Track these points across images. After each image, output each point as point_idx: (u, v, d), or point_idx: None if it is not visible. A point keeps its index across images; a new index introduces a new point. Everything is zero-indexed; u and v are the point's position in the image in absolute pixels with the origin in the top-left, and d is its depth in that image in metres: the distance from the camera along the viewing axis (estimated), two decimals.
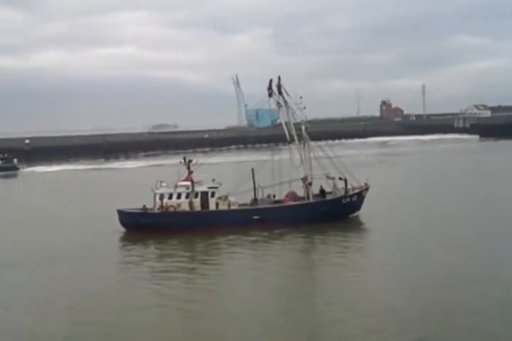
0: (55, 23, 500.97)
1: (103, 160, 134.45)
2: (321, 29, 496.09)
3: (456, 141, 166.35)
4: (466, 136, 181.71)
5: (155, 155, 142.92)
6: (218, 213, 45.46)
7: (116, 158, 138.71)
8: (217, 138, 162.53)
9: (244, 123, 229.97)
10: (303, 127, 48.69)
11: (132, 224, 44.92)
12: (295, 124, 49.19)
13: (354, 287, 30.08)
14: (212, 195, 45.67)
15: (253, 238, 42.64)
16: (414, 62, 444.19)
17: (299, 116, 49.06)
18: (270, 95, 48.24)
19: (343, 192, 47.54)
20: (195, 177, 46.18)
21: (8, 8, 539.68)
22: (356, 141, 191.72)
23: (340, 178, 47.44)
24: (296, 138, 48.17)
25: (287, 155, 49.32)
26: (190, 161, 46.49)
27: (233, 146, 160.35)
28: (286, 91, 47.60)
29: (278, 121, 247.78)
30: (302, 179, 47.60)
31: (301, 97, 48.24)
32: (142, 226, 44.15)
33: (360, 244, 41.25)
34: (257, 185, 47.15)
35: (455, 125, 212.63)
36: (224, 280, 32.64)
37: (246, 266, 35.65)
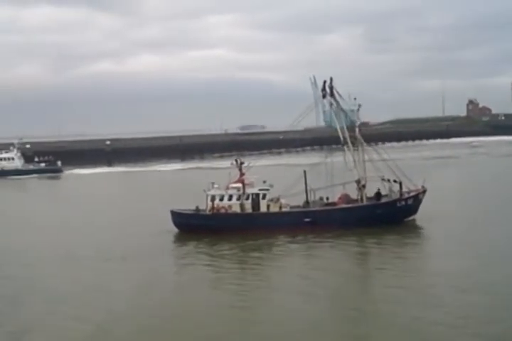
0: (149, 28, 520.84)
1: (179, 160, 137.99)
2: (414, 26, 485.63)
3: None
4: None
5: (230, 156, 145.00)
6: (269, 215, 45.79)
7: (192, 158, 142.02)
8: (293, 139, 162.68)
9: (322, 124, 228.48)
10: (356, 129, 48.22)
11: (184, 224, 46.06)
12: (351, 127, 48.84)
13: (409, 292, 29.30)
14: (264, 197, 46.04)
15: (304, 240, 42.62)
16: (507, 59, 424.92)
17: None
18: (324, 96, 48.11)
19: (398, 195, 46.66)
20: (247, 179, 46.73)
21: (105, 13, 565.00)
22: (437, 141, 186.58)
23: (394, 181, 46.60)
24: (348, 140, 47.67)
25: (341, 158, 48.85)
26: (241, 163, 47.10)
27: (308, 147, 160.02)
28: (338, 93, 47.36)
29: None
30: (356, 181, 47.12)
31: (355, 99, 47.88)
32: (193, 227, 45.22)
33: (416, 249, 40.39)
34: (309, 188, 47.10)
35: None
36: (276, 281, 33.00)
37: (296, 268, 35.83)
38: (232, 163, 47.44)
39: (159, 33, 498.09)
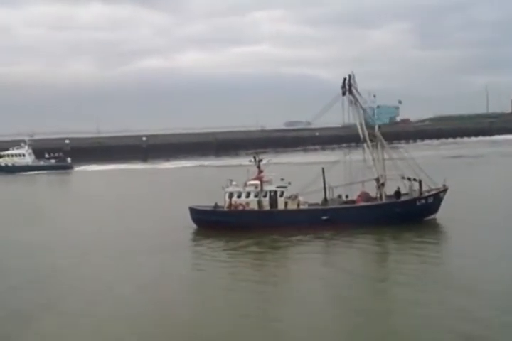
0: (195, 24, 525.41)
1: (213, 157, 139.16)
2: (466, 21, 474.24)
3: None
4: None
5: (264, 153, 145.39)
6: (286, 212, 46.09)
7: (227, 155, 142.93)
8: (329, 136, 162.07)
9: (362, 121, 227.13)
10: (376, 127, 48.07)
11: (202, 221, 46.81)
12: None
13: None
14: (281, 194, 46.36)
15: (320, 238, 42.88)
16: None
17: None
18: (344, 93, 47.96)
19: (417, 194, 46.34)
20: (265, 176, 47.12)
21: (152, 10, 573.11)
22: (479, 139, 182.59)
23: (414, 179, 46.28)
24: (367, 138, 47.55)
25: (360, 156, 48.73)
26: (260, 160, 47.51)
27: (344, 145, 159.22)
28: (357, 90, 47.21)
29: (397, 118, 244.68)
30: (375, 179, 47.00)
31: (374, 96, 47.62)
32: (211, 223, 45.91)
33: (435, 248, 40.26)
34: (327, 185, 47.17)
35: None
36: (293, 279, 33.73)
37: (312, 265, 36.38)
38: (250, 161, 47.84)
39: (205, 29, 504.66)
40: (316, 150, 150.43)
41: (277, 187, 46.49)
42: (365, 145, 48.06)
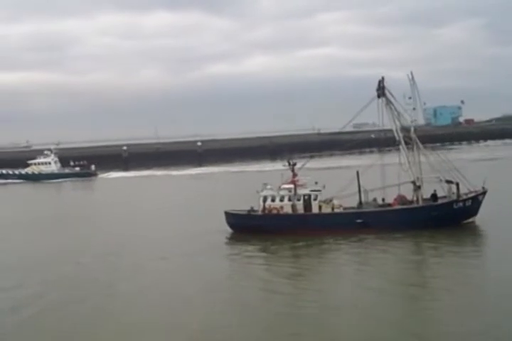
0: (261, 28, 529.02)
1: (268, 161, 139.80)
2: None
3: None
4: None
5: (320, 156, 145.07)
6: (320, 216, 46.29)
7: (282, 159, 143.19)
8: (385, 138, 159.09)
9: (422, 122, 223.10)
10: (412, 129, 47.59)
11: (237, 225, 47.56)
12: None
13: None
14: (315, 197, 46.58)
15: (355, 242, 42.87)
16: None
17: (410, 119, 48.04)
18: (379, 96, 47.71)
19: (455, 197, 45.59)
20: (299, 180, 47.46)
21: (218, 16, 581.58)
22: None
23: (450, 181, 45.56)
24: (402, 140, 47.16)
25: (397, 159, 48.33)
26: (294, 164, 47.91)
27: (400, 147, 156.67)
28: (390, 93, 46.92)
29: (461, 118, 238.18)
30: (412, 182, 46.55)
31: (409, 98, 47.11)
32: (246, 227, 46.62)
33: (474, 253, 39.44)
34: (362, 189, 47.06)
35: None
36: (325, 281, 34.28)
37: (345, 269, 36.82)
38: (284, 165, 48.30)
39: (271, 33, 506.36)
40: (372, 152, 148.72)
41: (311, 191, 46.78)
42: (400, 147, 47.61)
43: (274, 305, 29.64)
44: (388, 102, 47.04)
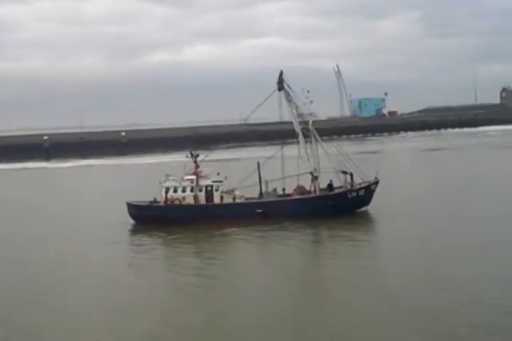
0: (204, 18, 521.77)
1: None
2: (477, 9, 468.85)
3: None
4: None
5: (244, 146, 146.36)
6: (221, 206, 47.37)
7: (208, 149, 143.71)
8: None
9: (347, 113, 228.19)
10: (310, 122, 49.25)
11: (139, 216, 48.02)
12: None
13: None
14: (217, 188, 47.61)
15: (254, 230, 44.10)
16: None
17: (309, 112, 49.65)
18: (280, 89, 49.00)
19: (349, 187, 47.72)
20: (202, 171, 48.39)
21: (158, 4, 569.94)
22: (464, 130, 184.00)
23: (345, 172, 47.61)
24: (300, 133, 48.77)
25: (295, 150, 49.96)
26: (197, 156, 48.80)
27: (325, 137, 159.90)
28: (288, 86, 48.32)
29: (384, 110, 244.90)
30: (310, 173, 48.28)
31: (308, 91, 48.66)
32: (148, 218, 47.18)
33: (365, 237, 41.74)
34: (263, 179, 48.44)
35: None
36: (226, 268, 35.33)
37: (244, 255, 38.50)
38: (187, 156, 49.08)
39: (213, 22, 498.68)
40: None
41: (213, 182, 47.73)
42: (299, 139, 49.21)
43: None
44: (287, 95, 48.41)
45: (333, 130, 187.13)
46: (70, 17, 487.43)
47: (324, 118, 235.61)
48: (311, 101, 48.74)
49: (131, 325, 25.74)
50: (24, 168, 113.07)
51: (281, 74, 48.51)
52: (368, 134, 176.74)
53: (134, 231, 47.09)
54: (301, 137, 48.79)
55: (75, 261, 37.80)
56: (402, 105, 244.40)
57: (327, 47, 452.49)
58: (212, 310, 27.67)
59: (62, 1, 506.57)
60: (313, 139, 49.00)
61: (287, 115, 50.12)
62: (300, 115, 49.35)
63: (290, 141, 53.04)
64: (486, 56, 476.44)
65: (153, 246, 42.04)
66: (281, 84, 48.10)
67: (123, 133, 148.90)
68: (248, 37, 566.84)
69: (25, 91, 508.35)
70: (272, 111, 52.94)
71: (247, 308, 27.43)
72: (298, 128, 48.90)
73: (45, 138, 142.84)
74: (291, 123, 50.75)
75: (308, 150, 48.62)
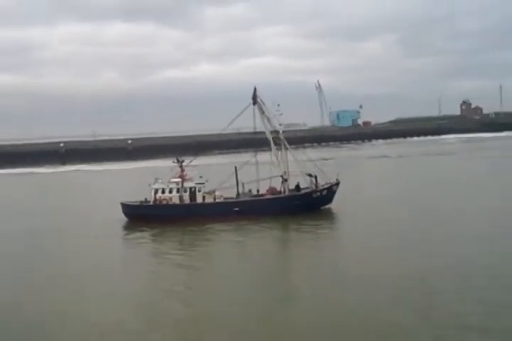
0: (208, 39, 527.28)
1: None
2: (448, 32, 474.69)
3: None
4: None
5: (235, 153, 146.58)
6: (203, 205, 47.67)
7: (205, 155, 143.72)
8: (294, 137, 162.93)
9: (327, 124, 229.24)
10: (280, 131, 49.56)
11: (131, 214, 48.24)
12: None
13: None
14: (200, 189, 47.89)
15: (231, 225, 44.44)
16: None
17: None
18: (254, 103, 49.31)
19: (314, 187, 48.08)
20: (186, 174, 48.66)
21: (170, 28, 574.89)
22: (427, 138, 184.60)
23: (310, 175, 48.00)
24: (271, 141, 49.09)
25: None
26: (182, 161, 49.10)
27: (307, 144, 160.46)
28: (261, 101, 48.59)
29: (359, 121, 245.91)
30: (280, 176, 48.60)
31: (278, 105, 49.06)
32: (139, 216, 47.41)
33: (326, 229, 42.56)
34: (240, 182, 48.76)
35: None
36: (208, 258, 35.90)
37: (222, 246, 38.85)
38: (173, 161, 49.34)
39: (216, 43, 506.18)
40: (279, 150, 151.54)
41: (196, 184, 48.06)
42: (271, 147, 49.55)
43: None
44: (260, 108, 48.73)
45: (315, 138, 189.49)
46: (92, 39, 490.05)
47: (307, 127, 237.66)
48: (281, 114, 49.08)
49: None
50: (40, 173, 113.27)
51: (255, 90, 48.81)
52: (344, 142, 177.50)
53: (127, 227, 47.20)
54: (272, 145, 49.07)
55: (72, 251, 38.29)
56: (376, 116, 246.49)
57: (315, 65, 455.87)
58: (188, 296, 27.99)
59: (85, 24, 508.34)
60: (283, 147, 49.29)
61: (260, 126, 50.16)
62: (271, 125, 49.64)
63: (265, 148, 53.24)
64: (457, 73, 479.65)
65: (143, 240, 42.17)
66: (254, 99, 48.39)
67: (129, 141, 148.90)
68: (247, 56, 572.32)
69: (45, 105, 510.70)
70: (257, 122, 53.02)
71: (221, 292, 27.82)
72: (270, 137, 49.14)
73: (61, 145, 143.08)
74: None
75: (279, 157, 48.92)
